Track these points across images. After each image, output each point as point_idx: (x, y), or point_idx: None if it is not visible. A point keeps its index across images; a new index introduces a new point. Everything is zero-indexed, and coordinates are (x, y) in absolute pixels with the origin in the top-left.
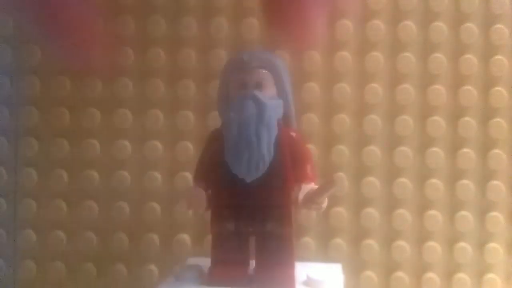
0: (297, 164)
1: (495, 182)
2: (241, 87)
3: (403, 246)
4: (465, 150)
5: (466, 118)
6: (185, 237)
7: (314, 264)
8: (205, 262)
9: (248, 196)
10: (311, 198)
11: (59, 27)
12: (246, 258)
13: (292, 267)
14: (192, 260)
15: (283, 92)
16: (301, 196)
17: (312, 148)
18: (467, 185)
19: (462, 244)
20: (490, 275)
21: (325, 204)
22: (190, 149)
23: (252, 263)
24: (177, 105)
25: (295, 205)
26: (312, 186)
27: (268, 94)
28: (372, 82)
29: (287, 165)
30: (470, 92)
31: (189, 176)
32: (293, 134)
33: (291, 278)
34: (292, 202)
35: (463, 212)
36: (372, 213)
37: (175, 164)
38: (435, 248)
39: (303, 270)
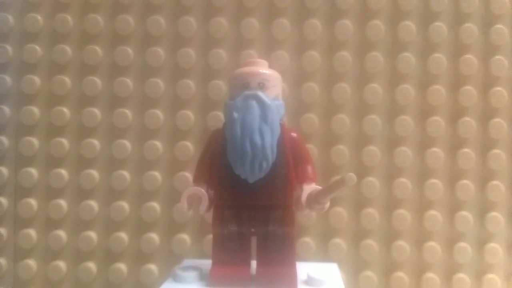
0: (299, 164)
1: (495, 182)
2: (244, 87)
3: (403, 246)
4: (465, 150)
5: (466, 118)
6: (185, 237)
7: (309, 264)
8: (202, 263)
9: (251, 196)
10: (316, 198)
11: None
12: (247, 258)
13: (294, 266)
14: (189, 262)
15: None
16: (304, 196)
17: (312, 148)
18: (467, 185)
19: (462, 244)
20: (490, 275)
21: (327, 204)
22: (189, 149)
23: (253, 263)
24: (177, 105)
25: (297, 205)
26: (313, 186)
27: (270, 95)
28: (372, 82)
29: (289, 166)
30: (470, 92)
31: (189, 175)
32: (294, 134)
33: (293, 277)
34: (294, 202)
35: (463, 212)
36: (372, 213)
37: (174, 164)
38: (435, 248)
39: (299, 269)
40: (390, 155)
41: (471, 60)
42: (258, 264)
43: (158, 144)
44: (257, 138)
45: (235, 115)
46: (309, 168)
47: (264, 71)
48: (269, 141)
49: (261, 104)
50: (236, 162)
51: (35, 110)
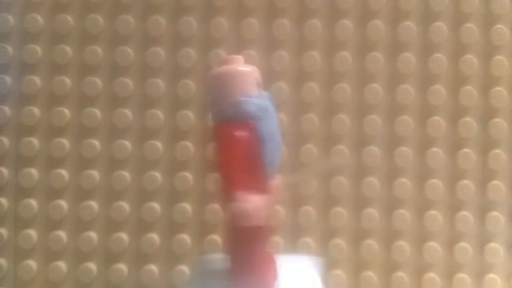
0: None
1: (495, 182)
2: (258, 85)
3: (403, 246)
4: (465, 150)
5: (466, 118)
6: (185, 237)
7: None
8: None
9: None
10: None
11: None
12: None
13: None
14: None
15: None
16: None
17: (312, 148)
18: (467, 185)
19: (462, 244)
20: (490, 275)
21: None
22: (190, 149)
23: None
24: (177, 105)
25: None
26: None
27: None
28: (372, 82)
29: None
30: (470, 92)
31: (189, 175)
32: None
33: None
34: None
35: (463, 212)
36: (372, 213)
37: (175, 164)
38: (435, 248)
39: None
40: (390, 155)
41: (471, 60)
42: None
43: (158, 144)
44: (279, 134)
45: (271, 111)
46: None
47: None
48: None
49: (272, 102)
50: (273, 158)
51: (35, 110)
